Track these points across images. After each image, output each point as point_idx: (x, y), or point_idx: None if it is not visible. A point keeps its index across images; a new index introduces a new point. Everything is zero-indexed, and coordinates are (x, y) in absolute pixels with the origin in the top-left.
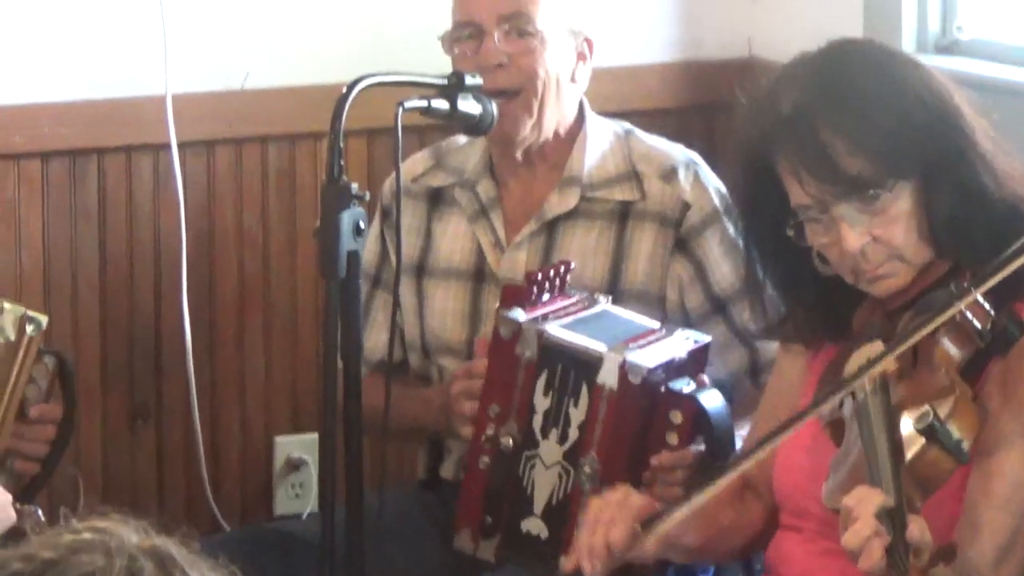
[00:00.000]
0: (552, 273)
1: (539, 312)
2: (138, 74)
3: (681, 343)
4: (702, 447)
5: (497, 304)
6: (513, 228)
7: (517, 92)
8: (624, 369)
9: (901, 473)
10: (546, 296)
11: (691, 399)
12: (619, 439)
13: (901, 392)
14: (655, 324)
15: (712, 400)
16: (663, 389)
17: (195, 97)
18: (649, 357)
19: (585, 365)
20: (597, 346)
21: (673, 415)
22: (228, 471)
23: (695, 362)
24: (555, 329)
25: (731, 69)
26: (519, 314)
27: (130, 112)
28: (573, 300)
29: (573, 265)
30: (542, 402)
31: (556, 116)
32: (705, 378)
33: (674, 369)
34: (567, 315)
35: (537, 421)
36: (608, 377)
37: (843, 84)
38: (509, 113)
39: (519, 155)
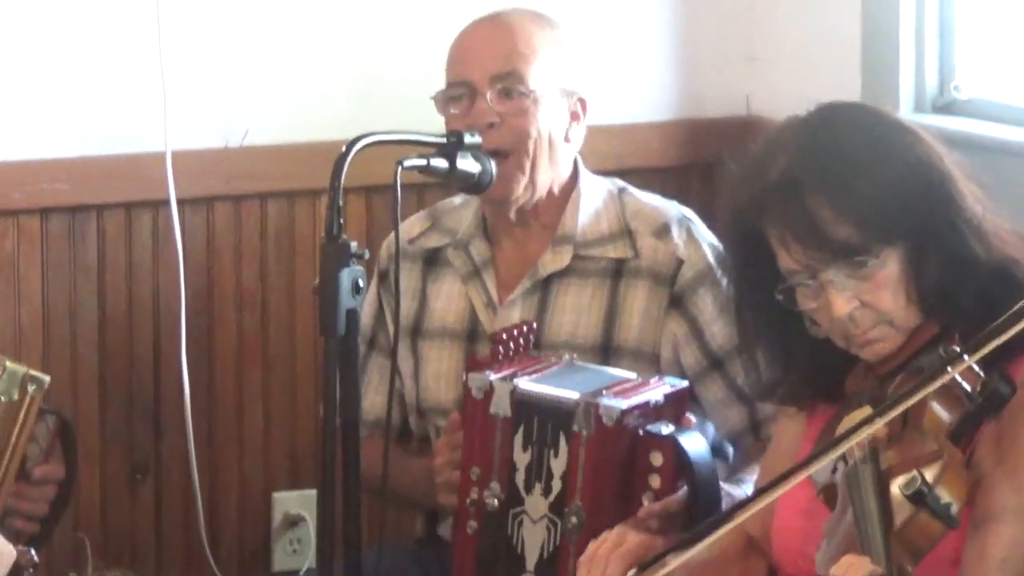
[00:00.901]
0: (516, 333)
1: (508, 371)
2: (138, 131)
3: (657, 388)
4: (684, 491)
5: None
6: (506, 288)
7: (509, 152)
8: (598, 413)
9: (891, 539)
10: (512, 357)
11: (669, 440)
12: (602, 485)
13: (890, 457)
14: (630, 375)
15: (692, 442)
16: (641, 432)
17: (194, 154)
18: (622, 401)
19: (560, 414)
20: (570, 394)
21: (653, 456)
22: (226, 527)
23: (674, 406)
24: (526, 383)
25: (729, 127)
26: (489, 374)
27: (129, 169)
28: (540, 358)
29: (535, 325)
30: (522, 457)
31: (549, 176)
32: (691, 417)
33: (651, 412)
34: (536, 372)
35: (519, 477)
36: (583, 423)
37: (830, 151)
38: (502, 174)
39: (513, 215)
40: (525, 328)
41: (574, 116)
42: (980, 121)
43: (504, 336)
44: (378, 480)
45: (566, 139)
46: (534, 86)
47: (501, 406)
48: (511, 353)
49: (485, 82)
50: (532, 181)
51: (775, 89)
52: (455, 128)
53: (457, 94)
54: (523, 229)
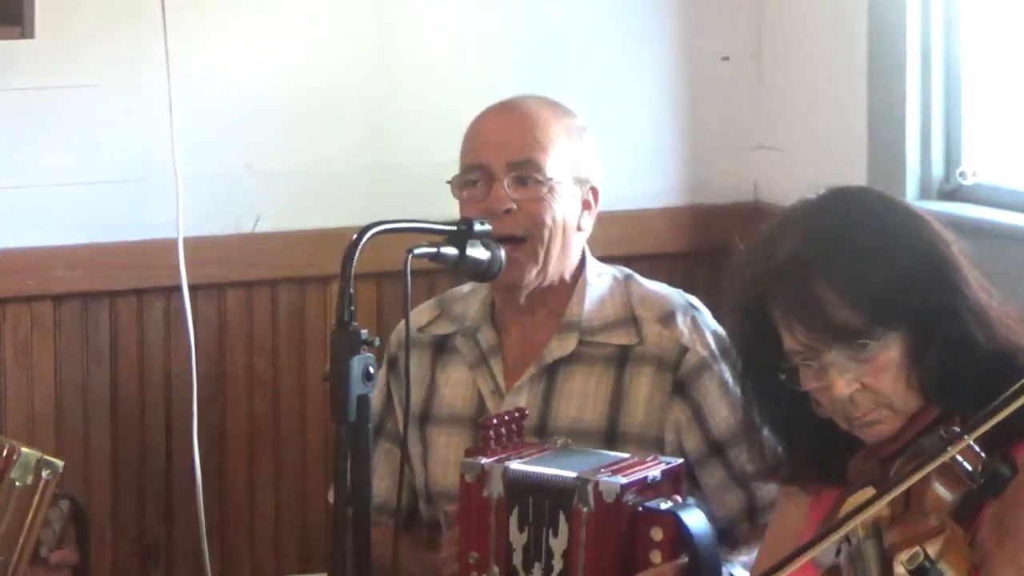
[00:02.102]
0: (508, 419)
1: (501, 455)
2: (150, 218)
3: (654, 465)
4: (686, 560)
5: None
6: (513, 375)
7: (523, 239)
8: (598, 490)
9: None
10: (504, 443)
11: (670, 514)
12: (604, 561)
13: (894, 537)
14: (625, 455)
15: (692, 516)
16: (640, 508)
17: (206, 240)
18: (621, 477)
19: (559, 493)
20: (568, 473)
21: (654, 532)
22: None
23: (671, 482)
24: (518, 465)
25: (737, 214)
26: (480, 459)
27: (142, 255)
28: (533, 443)
29: (527, 411)
30: (519, 538)
31: (561, 263)
32: (679, 498)
33: (649, 488)
34: (529, 455)
35: (517, 558)
36: (583, 501)
37: (837, 235)
38: (515, 260)
39: (523, 300)
40: (516, 414)
41: (586, 205)
42: (986, 207)
43: (495, 422)
44: (387, 569)
45: (578, 227)
46: (550, 175)
47: (494, 488)
48: (503, 439)
49: (502, 168)
50: (544, 268)
51: (782, 176)
52: (470, 211)
53: (473, 179)
54: (530, 316)
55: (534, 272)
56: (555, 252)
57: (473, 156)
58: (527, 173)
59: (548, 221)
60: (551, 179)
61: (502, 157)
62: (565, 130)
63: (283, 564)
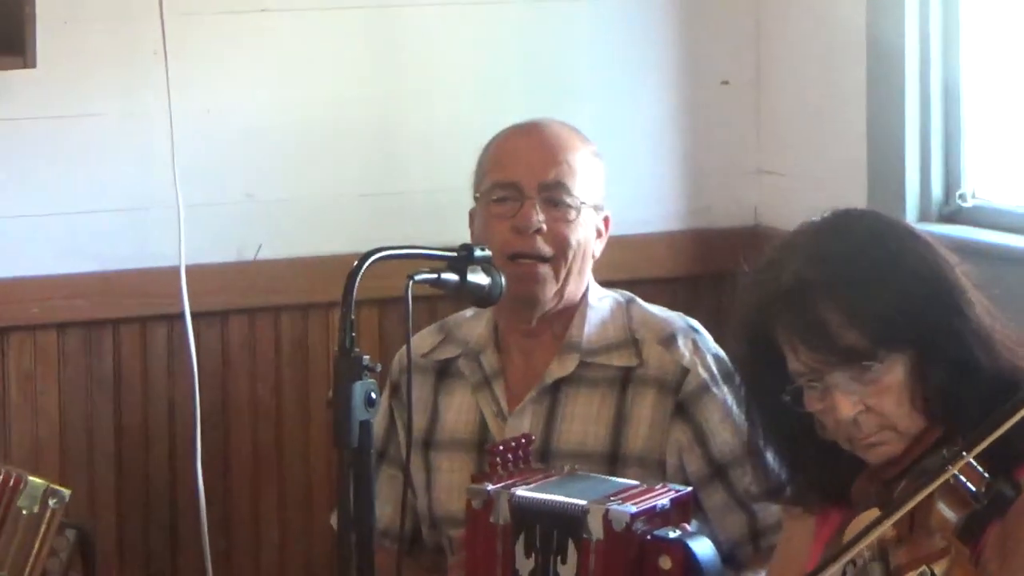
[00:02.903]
0: (514, 445)
1: (508, 482)
2: (152, 246)
3: (662, 493)
4: None
5: None
6: (516, 397)
7: (547, 258)
8: (607, 519)
9: None
10: (511, 469)
11: (678, 543)
12: None
13: (899, 557)
14: (633, 482)
15: (701, 545)
16: (649, 536)
17: (208, 268)
18: (631, 506)
19: (568, 521)
20: (577, 501)
21: (663, 560)
22: None
23: (679, 511)
24: (525, 491)
25: (738, 238)
26: (487, 485)
27: (145, 284)
28: (540, 469)
29: (533, 437)
30: (525, 564)
31: (575, 288)
32: (688, 526)
33: (658, 517)
34: (535, 481)
35: None
36: (593, 529)
37: (840, 257)
38: (537, 275)
39: (533, 322)
40: (523, 440)
41: (599, 233)
42: (986, 230)
43: (501, 448)
44: None
45: (592, 254)
46: (579, 198)
47: (500, 514)
48: (509, 465)
49: (534, 188)
50: (562, 289)
51: (783, 200)
52: (498, 226)
53: (503, 196)
54: (535, 339)
55: (553, 291)
56: (573, 275)
57: (505, 173)
58: (558, 196)
59: (573, 243)
60: (582, 203)
61: (535, 177)
62: (590, 156)
63: None
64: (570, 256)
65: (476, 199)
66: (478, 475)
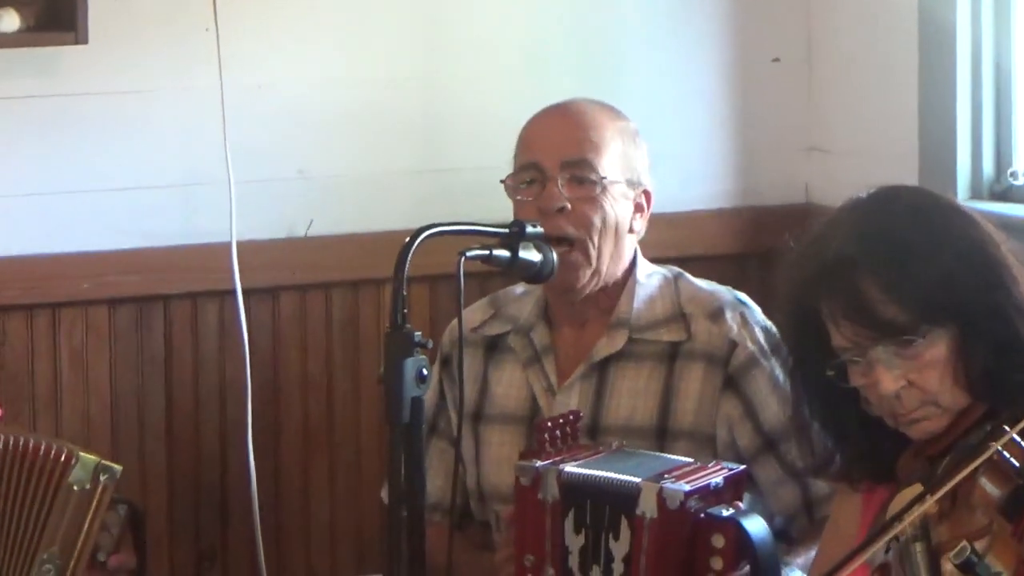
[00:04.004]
0: (562, 421)
1: (556, 458)
2: (204, 222)
3: (716, 471)
4: (747, 570)
5: None
6: (565, 373)
7: (575, 240)
8: (662, 496)
9: None
10: (559, 446)
11: (732, 521)
12: (665, 567)
13: (941, 533)
14: (686, 459)
15: (754, 523)
16: (703, 515)
17: (260, 245)
18: (685, 484)
19: (620, 498)
20: (631, 478)
21: (715, 539)
22: None
23: (733, 489)
24: (574, 468)
25: (788, 216)
26: (535, 462)
27: (196, 259)
28: (588, 445)
29: (581, 414)
30: (575, 540)
31: (614, 265)
32: (741, 504)
33: (712, 495)
34: (583, 458)
35: (573, 560)
36: (647, 507)
37: (885, 233)
38: (568, 263)
39: (577, 302)
40: (571, 416)
41: (638, 207)
42: None
43: (549, 424)
44: (442, 569)
45: (630, 229)
46: (604, 174)
47: (549, 491)
48: (557, 442)
49: (556, 167)
50: (598, 269)
51: (833, 177)
52: (524, 210)
53: (527, 178)
54: (583, 316)
55: (588, 274)
56: (607, 253)
57: (528, 155)
58: (581, 172)
59: (598, 222)
60: (604, 179)
61: (556, 156)
62: (619, 132)
63: (338, 566)
64: (596, 235)
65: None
66: (526, 452)
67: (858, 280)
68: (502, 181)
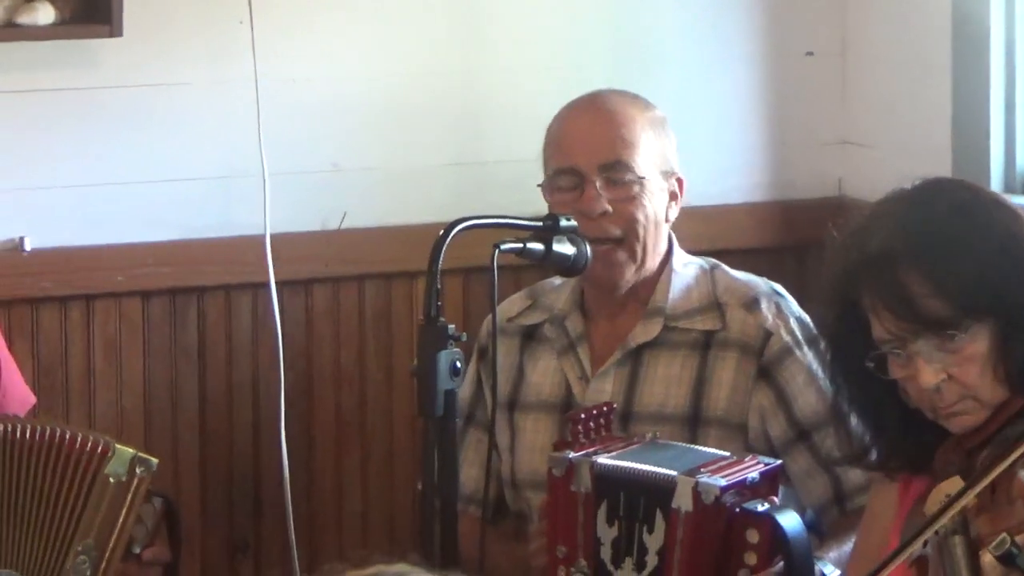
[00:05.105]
0: (596, 413)
1: (589, 450)
2: (238, 214)
3: (752, 465)
4: (781, 565)
5: None
6: (599, 360)
7: (621, 239)
8: (697, 491)
9: None
10: (592, 437)
11: (767, 517)
12: (700, 561)
13: (981, 526)
14: (721, 452)
15: (788, 519)
16: (738, 510)
17: (293, 237)
18: (721, 479)
19: (655, 491)
20: (667, 471)
21: (750, 534)
22: None
23: (768, 484)
24: (607, 459)
25: (822, 209)
26: (568, 453)
27: (229, 252)
28: (621, 437)
29: (615, 405)
30: (607, 532)
31: (654, 256)
32: (776, 499)
33: (748, 490)
34: (616, 449)
35: (606, 552)
36: (683, 500)
37: (928, 226)
38: (615, 261)
39: (618, 296)
40: (605, 408)
41: (672, 196)
42: None
43: (582, 416)
44: (475, 562)
45: (667, 219)
46: (641, 173)
47: (582, 482)
48: (591, 433)
49: (593, 170)
50: (642, 265)
51: (867, 171)
52: (562, 212)
53: (565, 183)
54: (620, 305)
55: (633, 270)
56: (650, 248)
57: (563, 159)
58: (619, 175)
59: (642, 219)
60: (642, 177)
61: (593, 159)
62: (650, 124)
63: (371, 558)
64: (641, 233)
65: (540, 189)
66: (559, 443)
67: (900, 273)
68: (539, 186)
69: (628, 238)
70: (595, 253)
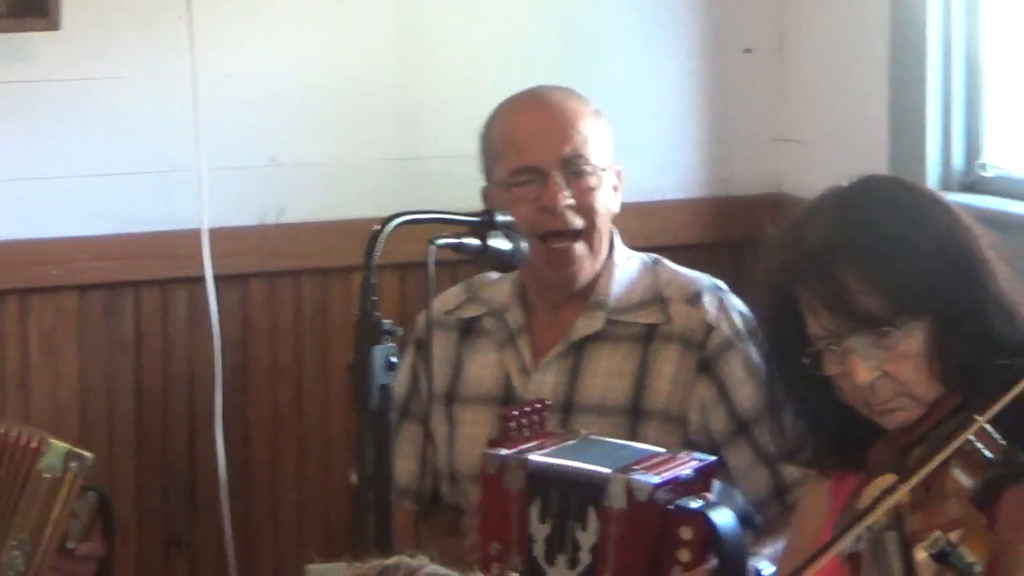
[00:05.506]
0: (529, 409)
1: (522, 447)
2: (175, 209)
3: (686, 462)
4: (714, 562)
5: None
6: (540, 353)
7: (580, 232)
8: (630, 488)
9: None
10: (526, 434)
11: (700, 514)
12: (632, 559)
13: (914, 522)
14: (655, 449)
15: (722, 515)
16: (671, 507)
17: (231, 232)
18: (654, 476)
19: (590, 488)
20: (600, 468)
21: (683, 531)
22: None
23: (702, 480)
24: (539, 457)
25: (760, 205)
26: (500, 450)
27: (166, 246)
28: (554, 434)
29: (549, 402)
30: (540, 529)
31: (605, 249)
32: (710, 495)
33: (681, 487)
34: (550, 446)
35: (539, 549)
36: (616, 498)
37: (865, 223)
38: (573, 257)
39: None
40: (539, 405)
41: (615, 188)
42: (1006, 199)
43: (515, 413)
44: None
45: (613, 210)
46: (597, 163)
47: (514, 480)
48: (524, 430)
49: (554, 165)
50: (597, 258)
51: (804, 168)
52: (524, 209)
53: (524, 179)
54: (562, 298)
55: (590, 265)
56: (604, 239)
57: (521, 158)
58: (578, 167)
59: (601, 209)
60: (600, 168)
61: (553, 155)
62: (594, 116)
63: (306, 553)
64: (599, 223)
65: (490, 183)
66: (493, 440)
67: (837, 269)
68: (492, 183)
69: (588, 229)
70: (551, 255)
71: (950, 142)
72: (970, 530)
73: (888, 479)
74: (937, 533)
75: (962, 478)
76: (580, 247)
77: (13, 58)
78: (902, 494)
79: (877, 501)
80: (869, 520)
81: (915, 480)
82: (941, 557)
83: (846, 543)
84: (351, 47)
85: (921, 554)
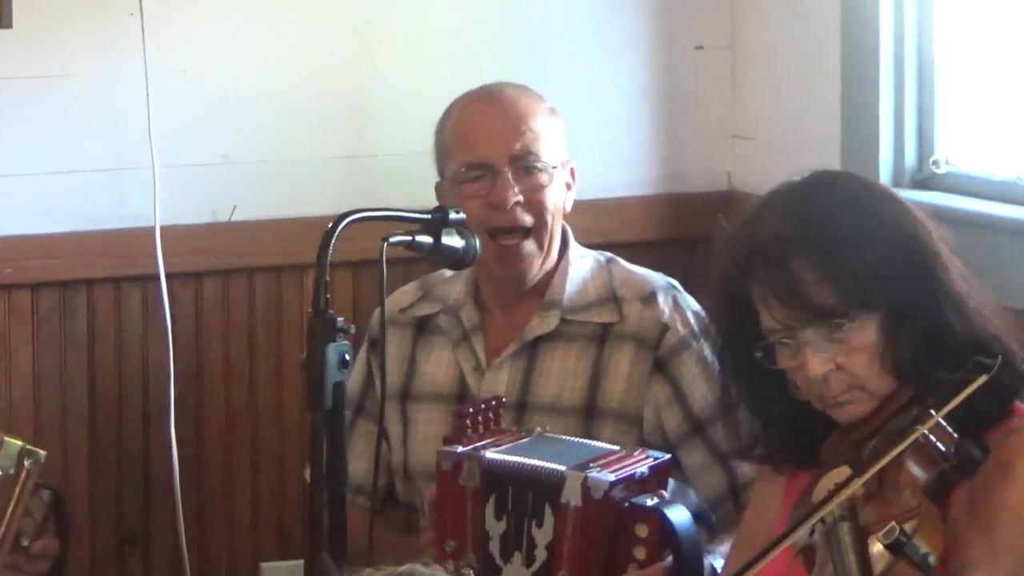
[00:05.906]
0: (484, 407)
1: (477, 444)
2: (127, 207)
3: (641, 460)
4: (670, 559)
5: None
6: (495, 352)
7: (531, 229)
8: (586, 486)
9: None
10: (481, 431)
11: (655, 511)
12: (588, 556)
13: (868, 514)
14: (611, 447)
15: (677, 513)
16: (627, 504)
17: (183, 229)
18: (610, 473)
19: (545, 485)
20: (556, 466)
21: (639, 528)
22: None
23: (657, 478)
24: (495, 454)
25: (712, 202)
26: (456, 448)
27: (119, 244)
28: (510, 431)
29: (503, 399)
30: (496, 526)
31: (556, 247)
32: (665, 493)
33: (637, 484)
34: (505, 443)
35: (494, 546)
36: (572, 495)
37: (818, 216)
38: (522, 255)
39: (521, 288)
40: (494, 402)
41: (567, 185)
42: (958, 196)
43: (471, 410)
44: (364, 552)
45: (565, 208)
46: (549, 161)
47: (470, 477)
48: (479, 427)
49: (504, 162)
50: (547, 256)
51: (756, 165)
52: (474, 206)
53: (475, 175)
54: (516, 297)
55: (539, 263)
56: (555, 237)
57: (471, 154)
58: (528, 164)
59: (551, 207)
60: (551, 166)
61: (503, 151)
62: (547, 114)
63: (260, 551)
64: (549, 221)
65: (443, 178)
66: (449, 437)
67: (790, 262)
68: (446, 179)
69: (538, 227)
70: (501, 251)
71: (903, 139)
72: (924, 521)
73: (842, 472)
74: (892, 524)
75: (916, 471)
76: (529, 244)
77: None
78: (857, 486)
79: (832, 494)
80: (824, 512)
81: (870, 472)
82: (896, 548)
83: (800, 535)
84: (304, 45)
85: (876, 545)
